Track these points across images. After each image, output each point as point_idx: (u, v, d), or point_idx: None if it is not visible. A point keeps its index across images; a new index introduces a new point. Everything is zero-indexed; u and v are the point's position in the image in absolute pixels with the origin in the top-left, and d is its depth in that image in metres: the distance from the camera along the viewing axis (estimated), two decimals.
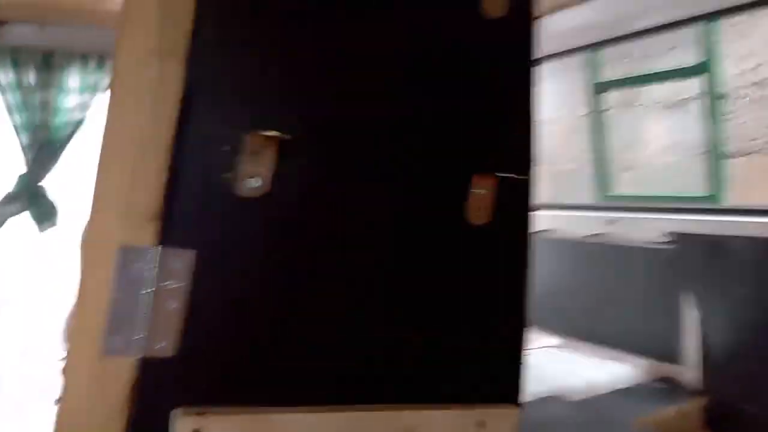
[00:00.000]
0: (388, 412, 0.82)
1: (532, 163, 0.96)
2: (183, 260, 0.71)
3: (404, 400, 0.84)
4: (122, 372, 0.69)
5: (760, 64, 3.52)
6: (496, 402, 0.90)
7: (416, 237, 0.86)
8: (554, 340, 3.02)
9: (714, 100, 2.69)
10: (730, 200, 3.26)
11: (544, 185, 5.03)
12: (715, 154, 2.68)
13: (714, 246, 2.40)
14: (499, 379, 0.91)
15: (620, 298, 2.85)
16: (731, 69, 3.61)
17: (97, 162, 0.72)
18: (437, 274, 0.89)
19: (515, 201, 0.92)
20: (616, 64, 3.99)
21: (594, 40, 2.84)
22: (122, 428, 0.70)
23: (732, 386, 2.40)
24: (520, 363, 0.93)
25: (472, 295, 0.90)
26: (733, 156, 3.65)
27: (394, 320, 0.85)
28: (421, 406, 0.84)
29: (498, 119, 0.92)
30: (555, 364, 2.74)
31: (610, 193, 3.30)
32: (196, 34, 0.72)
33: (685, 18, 2.43)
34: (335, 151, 0.79)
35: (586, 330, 2.97)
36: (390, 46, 0.83)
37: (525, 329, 0.93)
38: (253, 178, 0.75)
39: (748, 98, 3.60)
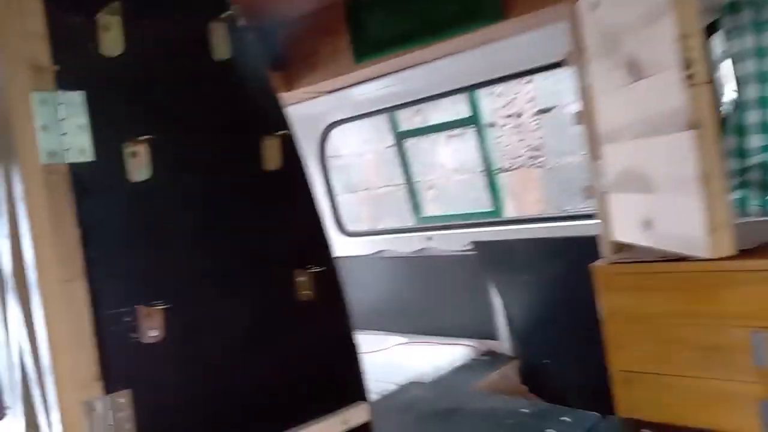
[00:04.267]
0: None
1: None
2: (125, 396, 1.07)
3: None
4: None
5: (509, 102, 4.57)
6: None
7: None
8: (402, 339, 3.59)
9: (482, 134, 3.50)
10: (508, 209, 4.19)
11: (364, 208, 5.74)
12: (490, 176, 3.48)
13: (503, 248, 3.14)
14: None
15: (445, 296, 3.49)
16: (493, 105, 4.62)
17: (51, 351, 1.02)
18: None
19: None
20: (412, 116, 4.84)
21: (392, 104, 3.50)
22: None
23: (534, 349, 3.13)
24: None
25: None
26: (506, 170, 4.67)
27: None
28: None
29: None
30: (407, 358, 3.33)
31: (423, 215, 4.04)
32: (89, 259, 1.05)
33: (456, 88, 3.23)
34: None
35: (425, 326, 3.57)
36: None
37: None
38: (152, 330, 1.10)
39: (508, 126, 4.64)
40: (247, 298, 1.23)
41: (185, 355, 1.13)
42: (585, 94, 2.21)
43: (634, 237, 2.03)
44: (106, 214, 1.09)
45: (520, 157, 4.58)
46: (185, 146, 1.22)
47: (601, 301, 2.07)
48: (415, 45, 2.73)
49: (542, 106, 4.42)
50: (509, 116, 4.57)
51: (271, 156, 1.31)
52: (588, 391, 2.72)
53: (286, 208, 1.35)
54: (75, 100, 1.06)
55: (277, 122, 1.35)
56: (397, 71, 3.16)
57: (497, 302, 3.26)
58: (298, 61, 3.28)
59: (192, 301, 1.12)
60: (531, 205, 4.55)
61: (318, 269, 1.33)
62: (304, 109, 3.72)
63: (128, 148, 1.11)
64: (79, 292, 1.04)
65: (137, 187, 1.12)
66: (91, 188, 1.06)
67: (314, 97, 3.58)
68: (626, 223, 2.08)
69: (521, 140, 4.57)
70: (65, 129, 1.04)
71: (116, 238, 1.09)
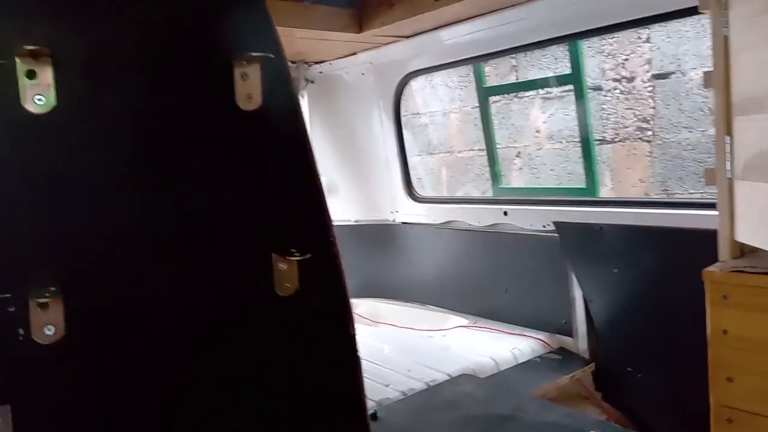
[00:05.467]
0: None
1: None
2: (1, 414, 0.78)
3: None
4: None
5: (620, 63, 3.97)
6: None
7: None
8: (463, 320, 3.26)
9: (582, 96, 2.95)
10: (605, 188, 3.66)
11: (444, 172, 5.30)
12: (587, 147, 2.96)
13: (591, 232, 2.68)
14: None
15: (517, 280, 3.10)
16: (601, 65, 4.04)
17: None
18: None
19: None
20: (506, 74, 4.33)
21: (481, 53, 3.03)
22: None
23: (616, 353, 2.70)
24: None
25: None
26: (608, 142, 4.10)
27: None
28: None
29: None
30: (464, 343, 2.98)
31: (503, 186, 3.59)
32: None
33: (555, 37, 2.71)
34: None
35: (491, 309, 3.21)
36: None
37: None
38: (48, 326, 0.79)
39: (616, 90, 4.05)
40: (196, 287, 0.88)
41: (96, 364, 0.80)
42: (720, 49, 1.70)
43: (765, 240, 1.54)
44: None
45: (626, 128, 3.98)
46: (114, 65, 0.86)
47: (710, 315, 1.65)
48: None
49: (659, 71, 3.80)
50: (618, 79, 3.97)
51: (247, 89, 0.93)
52: (677, 416, 2.40)
53: (266, 168, 0.98)
54: None
55: (257, 40, 0.96)
56: (486, 13, 2.73)
57: (577, 294, 2.85)
58: None
59: (111, 289, 0.79)
60: (633, 186, 3.96)
61: (305, 256, 0.96)
62: (379, 55, 3.35)
63: (23, 64, 0.76)
64: None
65: (35, 121, 0.78)
66: None
67: (391, 42, 3.19)
68: (757, 221, 1.60)
69: (629, 108, 3.97)
70: None
71: None
